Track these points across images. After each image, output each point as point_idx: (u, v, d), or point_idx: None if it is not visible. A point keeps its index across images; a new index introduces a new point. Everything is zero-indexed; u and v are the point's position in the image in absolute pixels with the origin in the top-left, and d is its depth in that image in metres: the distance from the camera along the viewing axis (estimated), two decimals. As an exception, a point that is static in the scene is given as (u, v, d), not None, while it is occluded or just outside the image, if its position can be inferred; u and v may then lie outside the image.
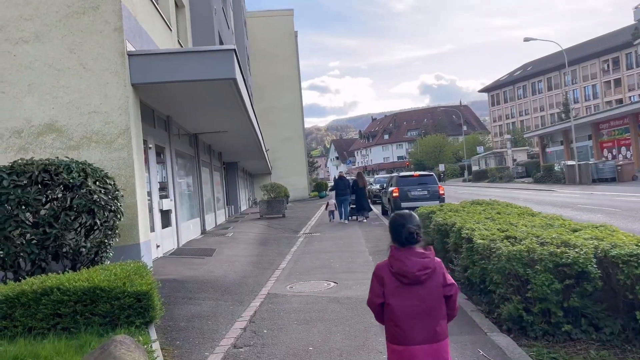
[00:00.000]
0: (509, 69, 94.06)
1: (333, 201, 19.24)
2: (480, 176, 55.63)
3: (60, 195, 5.95)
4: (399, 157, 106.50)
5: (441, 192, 17.66)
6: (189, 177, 14.54)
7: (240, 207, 28.84)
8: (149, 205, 9.46)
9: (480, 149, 67.47)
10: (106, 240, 6.43)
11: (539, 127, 77.60)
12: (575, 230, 5.39)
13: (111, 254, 6.81)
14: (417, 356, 2.55)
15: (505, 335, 4.69)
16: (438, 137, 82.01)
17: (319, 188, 45.40)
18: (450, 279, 2.67)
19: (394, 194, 17.60)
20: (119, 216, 6.64)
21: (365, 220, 17.56)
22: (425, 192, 17.57)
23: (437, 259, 2.67)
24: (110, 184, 6.51)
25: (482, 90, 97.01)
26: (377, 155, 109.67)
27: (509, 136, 62.65)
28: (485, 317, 5.37)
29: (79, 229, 6.27)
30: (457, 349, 4.32)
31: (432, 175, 18.54)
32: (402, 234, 2.64)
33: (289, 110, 44.04)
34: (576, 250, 4.44)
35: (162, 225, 10.23)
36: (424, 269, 2.60)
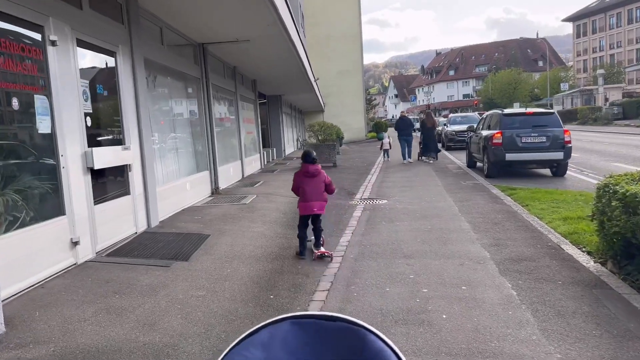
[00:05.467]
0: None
1: (387, 140, 19.30)
2: (567, 117, 47.65)
3: None
4: (464, 96, 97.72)
5: (567, 139, 11.94)
6: (185, 110, 9.63)
7: (284, 149, 23.99)
8: (49, 162, 4.64)
9: (564, 86, 58.80)
10: None
11: (633, 61, 67.09)
12: None
13: None
14: (314, 205, 5.59)
15: None
16: (513, 72, 72.77)
17: (377, 128, 39.70)
18: (328, 179, 5.75)
19: (495, 141, 12.06)
20: None
21: (431, 162, 16.69)
22: (544, 139, 11.92)
23: (323, 170, 5.78)
24: None
25: (566, 20, 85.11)
26: (441, 92, 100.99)
27: (601, 71, 53.41)
28: None
29: None
30: None
31: (553, 113, 12.71)
32: (309, 159, 5.68)
33: (346, 39, 37.78)
34: None
35: (98, 195, 5.42)
36: (315, 170, 5.66)
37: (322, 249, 5.68)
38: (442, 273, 4.91)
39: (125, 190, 6.15)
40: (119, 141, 6.13)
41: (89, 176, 5.19)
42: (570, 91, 56.49)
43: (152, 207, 6.72)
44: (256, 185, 11.72)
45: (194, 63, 9.82)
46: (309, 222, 5.72)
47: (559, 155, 11.88)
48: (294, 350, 0.81)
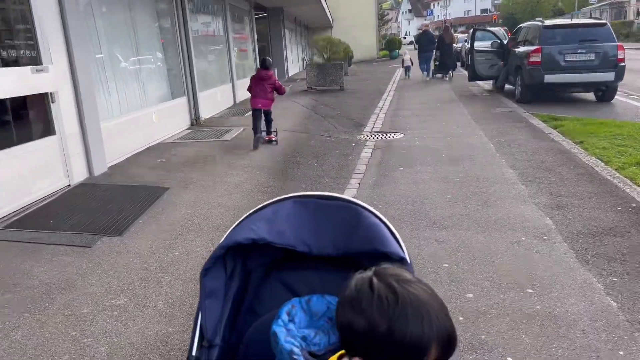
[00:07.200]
0: None
1: (408, 56, 18.50)
2: (594, 34, 44.17)
3: None
4: (482, 11, 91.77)
5: (620, 56, 9.88)
6: (153, 21, 7.70)
7: (287, 70, 21.80)
8: None
9: (593, -1, 54.08)
10: None
11: (670, -30, 61.42)
12: None
13: None
14: (259, 102, 6.73)
15: None
16: (536, -16, 67.14)
17: (390, 46, 36.83)
18: (278, 82, 6.97)
19: (533, 59, 10.02)
20: None
21: (447, 79, 16.16)
22: (592, 57, 9.86)
23: (274, 76, 7.03)
24: None
25: None
26: (458, 8, 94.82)
27: (636, -19, 48.69)
28: None
29: None
30: None
31: (605, 24, 10.51)
32: (263, 65, 6.87)
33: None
34: None
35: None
36: (267, 75, 6.77)
37: (271, 136, 7.04)
38: (491, 259, 3.30)
39: (45, 130, 4.48)
40: (31, 59, 4.36)
41: (-31, 113, 3.52)
42: (599, 4, 52.03)
43: (94, 149, 5.08)
44: (248, 113, 9.95)
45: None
46: (262, 116, 6.88)
47: (609, 76, 9.86)
48: (297, 224, 0.86)
